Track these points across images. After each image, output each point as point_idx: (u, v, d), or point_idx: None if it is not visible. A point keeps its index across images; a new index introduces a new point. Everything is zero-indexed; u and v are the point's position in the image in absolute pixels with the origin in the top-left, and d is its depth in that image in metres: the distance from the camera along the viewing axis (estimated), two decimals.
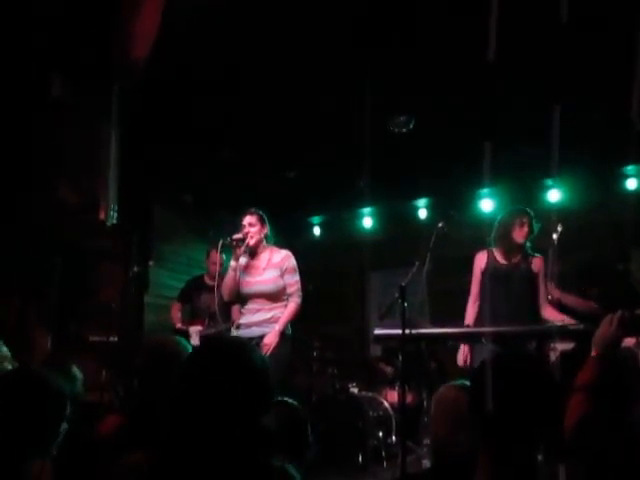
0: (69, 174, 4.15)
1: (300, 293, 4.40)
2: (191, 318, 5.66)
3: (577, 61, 3.86)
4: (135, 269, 5.40)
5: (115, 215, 4.05)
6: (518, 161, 5.47)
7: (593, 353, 1.83)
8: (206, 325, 5.40)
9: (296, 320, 4.40)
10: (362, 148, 5.26)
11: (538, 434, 1.55)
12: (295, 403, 2.39)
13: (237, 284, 4.38)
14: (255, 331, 4.31)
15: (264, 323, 4.32)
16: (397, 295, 3.53)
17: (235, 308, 5.27)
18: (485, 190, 6.53)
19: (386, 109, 5.15)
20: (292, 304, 4.35)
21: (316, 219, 7.89)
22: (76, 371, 3.09)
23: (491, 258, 4.28)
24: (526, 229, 4.17)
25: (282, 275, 4.36)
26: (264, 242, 4.45)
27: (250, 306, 4.38)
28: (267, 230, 4.46)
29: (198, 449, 1.45)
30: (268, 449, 1.54)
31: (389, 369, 5.95)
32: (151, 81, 4.14)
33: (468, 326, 4.25)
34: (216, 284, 4.73)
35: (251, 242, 4.35)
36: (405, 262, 4.17)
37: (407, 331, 3.44)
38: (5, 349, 3.01)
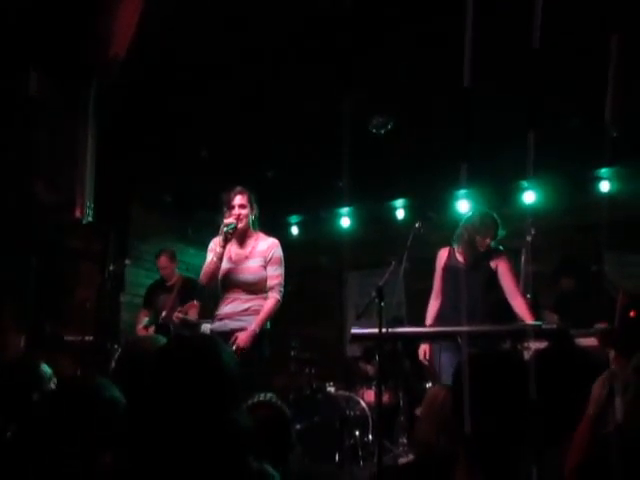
0: (45, 172, 4.11)
1: (281, 289, 4.02)
2: (154, 319, 5.68)
3: (553, 67, 3.92)
4: (111, 268, 5.36)
5: (91, 213, 4.00)
6: (494, 163, 5.54)
7: (589, 412, 1.88)
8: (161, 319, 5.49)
9: (274, 317, 4.08)
10: (341, 148, 5.28)
11: (515, 433, 1.57)
12: (280, 402, 2.39)
13: (217, 270, 3.98)
14: (227, 325, 3.95)
15: (237, 315, 3.95)
16: (374, 295, 3.55)
17: (192, 305, 5.40)
18: (462, 191, 6.59)
19: (365, 110, 5.18)
20: (271, 300, 3.97)
21: (294, 219, 7.89)
22: (45, 369, 3.03)
23: (452, 256, 4.31)
24: (489, 240, 4.20)
25: (265, 265, 3.99)
26: (251, 227, 4.08)
27: (226, 295, 4.01)
28: (256, 212, 4.09)
29: (170, 450, 1.44)
30: (245, 449, 1.53)
31: (369, 368, 5.98)
32: (130, 79, 4.12)
33: (431, 325, 4.26)
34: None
35: (240, 225, 3.96)
36: (383, 262, 4.20)
37: (384, 330, 3.46)
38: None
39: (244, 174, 6.28)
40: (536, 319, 4.10)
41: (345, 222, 7.56)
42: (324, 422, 5.23)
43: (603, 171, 6.08)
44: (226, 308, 4.00)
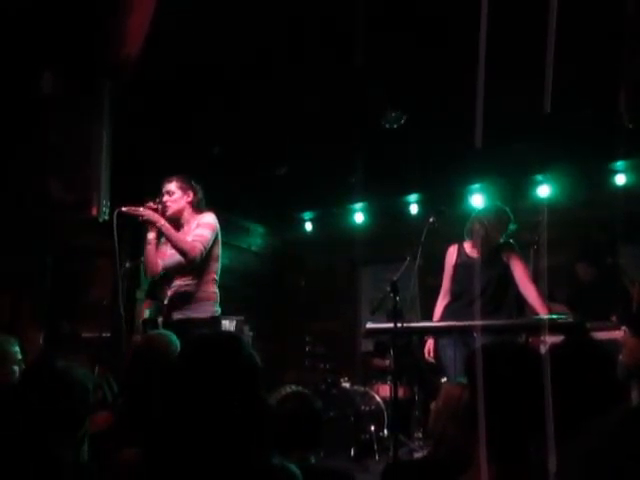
0: (60, 171, 4.14)
1: (203, 247, 3.71)
2: (156, 312, 5.72)
3: (566, 58, 3.89)
4: (127, 265, 5.40)
5: (107, 212, 4.03)
6: (508, 157, 5.51)
7: None
8: None
9: (280, 313, 4.05)
10: (353, 144, 5.28)
11: (529, 425, 1.57)
12: (309, 393, 2.43)
13: (153, 257, 3.86)
14: (173, 316, 3.78)
15: (182, 305, 3.76)
16: (389, 290, 3.56)
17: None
18: (476, 185, 6.57)
19: (378, 105, 5.17)
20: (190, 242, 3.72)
21: (307, 215, 7.91)
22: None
23: (462, 252, 4.30)
24: (502, 234, 4.18)
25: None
26: (191, 209, 3.91)
27: (169, 285, 3.88)
28: (195, 196, 3.91)
29: (193, 446, 1.45)
30: (268, 447, 1.55)
31: (382, 364, 5.99)
32: (143, 79, 4.14)
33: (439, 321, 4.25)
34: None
35: (168, 212, 3.83)
36: (396, 257, 4.20)
37: (398, 325, 3.47)
38: (17, 349, 2.97)
39: (257, 171, 6.33)
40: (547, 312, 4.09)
41: (359, 218, 7.57)
42: (339, 417, 5.26)
43: (618, 164, 6.03)
44: (169, 299, 3.86)
